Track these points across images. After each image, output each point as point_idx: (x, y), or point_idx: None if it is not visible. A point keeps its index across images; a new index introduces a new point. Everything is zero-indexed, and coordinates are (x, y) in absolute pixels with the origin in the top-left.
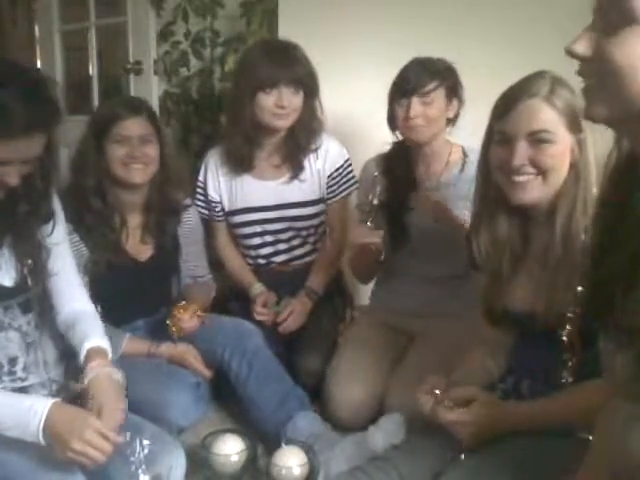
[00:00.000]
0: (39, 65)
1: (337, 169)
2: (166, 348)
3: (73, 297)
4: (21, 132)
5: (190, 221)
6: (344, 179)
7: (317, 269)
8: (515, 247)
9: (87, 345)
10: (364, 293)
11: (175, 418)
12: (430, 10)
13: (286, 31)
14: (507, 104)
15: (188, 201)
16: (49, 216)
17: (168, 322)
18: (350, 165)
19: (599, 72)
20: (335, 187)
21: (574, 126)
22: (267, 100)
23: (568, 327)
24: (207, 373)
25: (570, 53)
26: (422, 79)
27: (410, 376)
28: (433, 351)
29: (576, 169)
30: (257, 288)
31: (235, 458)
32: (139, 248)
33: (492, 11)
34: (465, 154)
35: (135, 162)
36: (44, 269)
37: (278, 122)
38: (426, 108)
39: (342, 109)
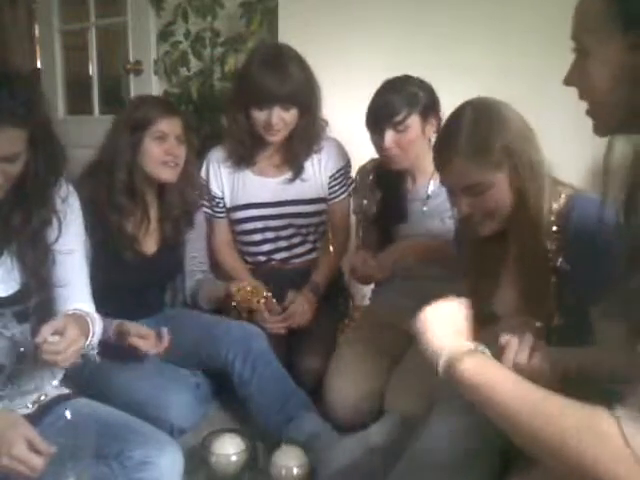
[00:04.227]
0: (39, 65)
1: (339, 170)
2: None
3: (79, 305)
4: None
5: (198, 219)
6: (345, 180)
7: (322, 266)
8: (494, 259)
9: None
10: (364, 293)
11: (175, 419)
12: (431, 10)
13: (286, 31)
14: (437, 164)
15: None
16: (45, 222)
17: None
18: (351, 167)
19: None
20: (337, 187)
21: (504, 164)
22: (259, 116)
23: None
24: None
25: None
26: (393, 108)
27: (410, 376)
28: None
29: (521, 193)
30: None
31: (235, 458)
32: (148, 243)
33: (493, 15)
34: None
35: (170, 161)
36: (48, 279)
37: (269, 137)
38: (401, 137)
39: (341, 109)
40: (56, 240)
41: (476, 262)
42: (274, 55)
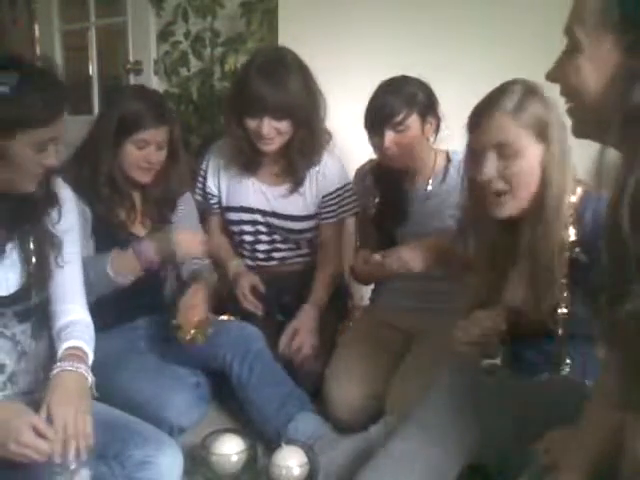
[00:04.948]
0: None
1: (334, 191)
2: (149, 241)
3: (71, 308)
4: (60, 112)
5: (184, 207)
6: (342, 202)
7: (318, 284)
8: (503, 248)
9: (66, 345)
10: (364, 293)
11: (175, 418)
12: (430, 11)
13: (286, 31)
14: (475, 119)
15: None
16: (52, 201)
17: (175, 324)
18: (351, 189)
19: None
20: (330, 209)
21: (542, 137)
22: (251, 124)
23: (560, 327)
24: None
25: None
26: (392, 108)
27: (410, 376)
28: (433, 351)
29: (547, 176)
30: (235, 265)
31: (235, 458)
32: (137, 228)
33: (492, 15)
34: (449, 159)
35: (146, 167)
36: (50, 265)
37: (263, 147)
38: (400, 136)
39: (341, 109)
40: (59, 220)
41: (485, 254)
42: (273, 62)
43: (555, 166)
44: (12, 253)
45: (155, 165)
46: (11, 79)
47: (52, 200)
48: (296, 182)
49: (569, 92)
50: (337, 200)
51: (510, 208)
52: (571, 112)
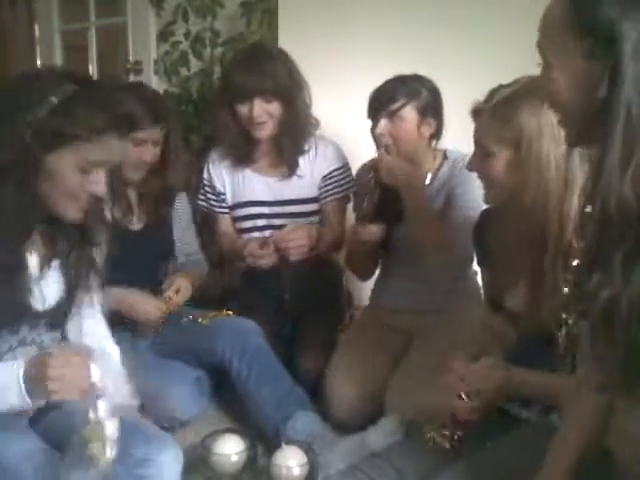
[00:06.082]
0: (39, 65)
1: (332, 171)
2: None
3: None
4: (108, 130)
5: (181, 205)
6: (341, 181)
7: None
8: (513, 246)
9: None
10: (364, 293)
11: (176, 412)
12: (431, 10)
13: (286, 31)
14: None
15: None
16: (96, 233)
17: None
18: (349, 169)
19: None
20: (330, 188)
21: (513, 141)
22: (242, 110)
23: (561, 331)
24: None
25: None
26: (390, 96)
27: (410, 376)
28: (432, 351)
29: (525, 180)
30: (244, 239)
31: (235, 458)
32: (132, 221)
33: (492, 16)
34: (446, 157)
35: (139, 163)
36: (86, 286)
37: (256, 132)
38: (394, 126)
39: (341, 108)
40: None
41: (495, 255)
42: (253, 52)
43: (534, 166)
44: (55, 271)
45: (148, 163)
46: (64, 91)
47: (95, 233)
48: (292, 165)
49: (552, 104)
50: (336, 179)
51: (488, 199)
52: (560, 123)
